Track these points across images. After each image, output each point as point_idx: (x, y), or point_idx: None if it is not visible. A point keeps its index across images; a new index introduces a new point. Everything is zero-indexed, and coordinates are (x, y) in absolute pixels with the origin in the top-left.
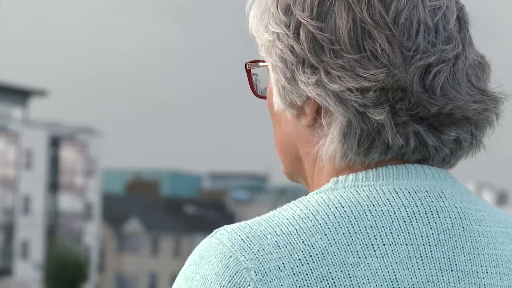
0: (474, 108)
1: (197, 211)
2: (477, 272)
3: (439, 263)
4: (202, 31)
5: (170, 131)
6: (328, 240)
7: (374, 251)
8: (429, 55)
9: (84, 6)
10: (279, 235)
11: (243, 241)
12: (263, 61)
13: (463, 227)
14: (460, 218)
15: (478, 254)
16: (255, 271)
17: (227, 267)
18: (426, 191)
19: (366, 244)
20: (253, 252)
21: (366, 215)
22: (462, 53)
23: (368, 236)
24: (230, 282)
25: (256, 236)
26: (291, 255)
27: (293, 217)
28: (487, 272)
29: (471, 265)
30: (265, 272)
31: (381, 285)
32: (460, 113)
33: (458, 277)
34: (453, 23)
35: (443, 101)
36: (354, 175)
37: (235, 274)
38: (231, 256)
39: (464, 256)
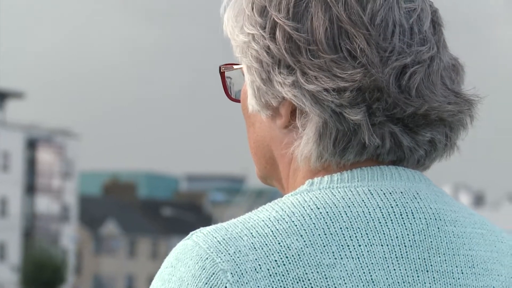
0: (449, 110)
1: (174, 213)
2: (453, 273)
3: (415, 264)
4: (180, 34)
5: (147, 133)
6: (304, 241)
7: (350, 252)
8: (405, 56)
9: (62, 9)
10: (255, 237)
11: (219, 243)
12: (237, 64)
13: (438, 228)
14: (435, 219)
15: (453, 254)
16: (231, 273)
17: (204, 268)
18: (401, 192)
19: (342, 245)
20: (229, 254)
21: (342, 216)
22: (436, 55)
23: (344, 237)
24: (206, 284)
25: (232, 238)
26: (267, 256)
27: (269, 218)
28: (462, 273)
29: (447, 266)
30: (242, 274)
31: (357, 285)
32: (435, 114)
33: (434, 277)
34: (428, 25)
35: (419, 102)
36: (329, 177)
37: (211, 276)
38: (207, 258)
39: (440, 256)
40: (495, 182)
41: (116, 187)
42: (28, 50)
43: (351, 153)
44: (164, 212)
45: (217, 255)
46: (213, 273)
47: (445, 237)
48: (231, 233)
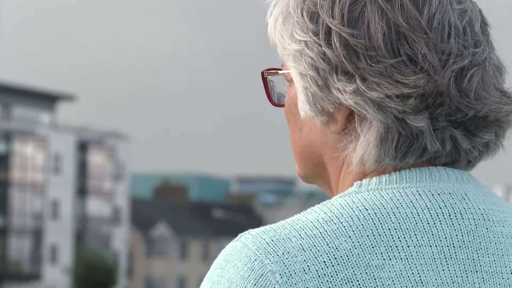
0: (505, 110)
1: (225, 215)
2: (502, 273)
3: (464, 264)
4: (227, 34)
5: (198, 135)
6: (353, 242)
7: (399, 252)
8: (462, 58)
9: (109, 11)
10: (303, 238)
11: (268, 244)
12: (280, 69)
13: (487, 228)
14: (484, 219)
15: (502, 255)
16: (280, 274)
17: (253, 270)
18: (450, 193)
19: (391, 246)
20: (278, 255)
21: (390, 217)
22: (489, 56)
23: (392, 238)
24: (255, 285)
25: (280, 240)
26: (316, 257)
27: (317, 220)
28: (511, 273)
29: (496, 266)
30: (290, 275)
31: (406, 286)
32: (493, 116)
33: (483, 278)
34: (478, 26)
35: (479, 104)
36: (377, 178)
37: (260, 277)
38: (256, 259)
39: (489, 257)
40: None
41: (167, 190)
42: (79, 52)
43: (411, 157)
44: (215, 214)
45: (266, 256)
46: (262, 274)
47: (494, 237)
48: (279, 234)
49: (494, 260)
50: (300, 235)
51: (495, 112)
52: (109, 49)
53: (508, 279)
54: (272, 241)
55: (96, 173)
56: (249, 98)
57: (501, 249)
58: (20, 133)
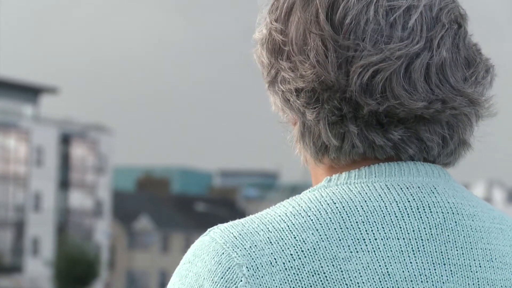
0: (429, 107)
1: (207, 208)
2: (470, 266)
3: (432, 257)
4: (212, 26)
5: (181, 129)
6: (320, 235)
7: (366, 245)
8: (371, 54)
9: (93, 3)
10: (271, 232)
11: (236, 238)
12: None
13: (456, 222)
14: (453, 213)
15: (471, 248)
16: (247, 267)
17: (220, 263)
18: (419, 187)
19: (358, 239)
20: (245, 248)
21: (358, 211)
22: (424, 51)
23: (360, 230)
24: (222, 278)
25: (248, 233)
26: (283, 250)
27: (285, 214)
28: (480, 266)
29: (464, 259)
30: (257, 267)
31: (373, 278)
32: (403, 112)
33: (451, 270)
34: (419, 21)
35: (381, 100)
36: (347, 173)
37: (227, 270)
38: (223, 253)
39: (457, 250)
40: None
41: (149, 183)
42: (62, 45)
43: (332, 152)
44: (198, 207)
45: (233, 250)
46: (229, 268)
47: (463, 231)
48: (247, 228)
49: (463, 253)
50: (267, 228)
51: (407, 108)
52: (92, 42)
53: (476, 272)
54: (240, 235)
55: (79, 165)
56: (232, 92)
57: (470, 242)
58: (3, 126)
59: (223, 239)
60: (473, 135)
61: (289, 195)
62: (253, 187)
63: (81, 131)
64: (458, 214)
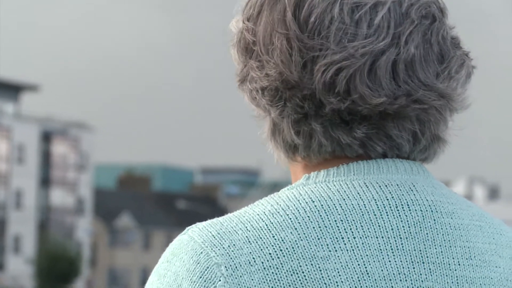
0: (394, 103)
1: (189, 206)
2: (449, 264)
3: (410, 255)
4: (194, 25)
5: (162, 126)
6: (298, 234)
7: (345, 244)
8: (335, 52)
9: (76, 1)
10: (249, 231)
11: (214, 237)
12: None
13: (434, 220)
14: (431, 211)
15: (450, 246)
16: (225, 266)
17: (198, 263)
18: (397, 185)
19: (337, 238)
20: (223, 247)
21: (336, 209)
22: (391, 48)
23: (339, 229)
24: (201, 277)
25: (227, 232)
26: (261, 249)
27: (264, 212)
28: (459, 264)
29: (443, 257)
30: (236, 267)
31: (352, 277)
32: (367, 108)
33: (430, 269)
34: (386, 17)
35: (343, 97)
36: (325, 171)
37: (205, 270)
38: (201, 252)
39: (436, 248)
40: (510, 175)
41: (131, 180)
42: (42, 42)
43: (301, 151)
44: (179, 205)
45: (212, 249)
46: (207, 267)
47: (442, 229)
48: (226, 227)
49: (442, 252)
50: (246, 227)
51: (369, 105)
52: (73, 39)
53: (455, 270)
54: (218, 234)
55: (60, 163)
56: (213, 89)
57: (449, 240)
58: None
59: (202, 238)
60: (448, 130)
61: (270, 192)
62: (234, 184)
63: (62, 129)
64: (436, 212)
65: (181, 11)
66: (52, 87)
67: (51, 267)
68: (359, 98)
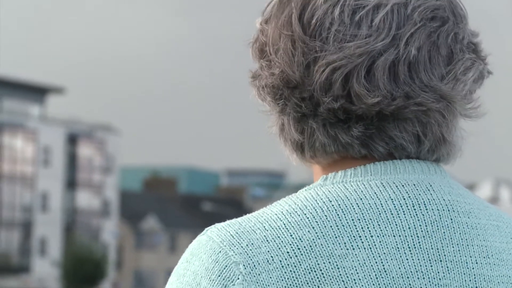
0: (390, 104)
1: (214, 208)
2: (467, 262)
3: (428, 254)
4: (215, 24)
5: (188, 128)
6: (316, 233)
7: (362, 242)
8: (332, 53)
9: (99, 4)
10: (267, 230)
11: (233, 236)
12: None
13: (451, 219)
14: (448, 210)
15: (467, 245)
16: (243, 265)
17: (217, 261)
18: (414, 184)
19: (354, 236)
20: (242, 246)
21: (354, 208)
22: (390, 49)
23: (356, 228)
24: (219, 276)
25: (245, 232)
26: (279, 248)
27: (282, 212)
28: (476, 263)
29: (460, 256)
30: (254, 265)
31: (369, 275)
32: (362, 108)
33: (447, 267)
34: (387, 19)
35: (336, 97)
36: (343, 172)
37: (224, 268)
38: (220, 251)
39: (453, 247)
40: None
41: (156, 182)
42: (69, 45)
43: (307, 150)
44: (205, 207)
45: (230, 248)
46: (226, 266)
47: (459, 227)
48: (244, 227)
49: (459, 250)
50: (264, 227)
51: (364, 104)
52: (98, 42)
53: (473, 268)
54: (237, 233)
55: (86, 165)
56: (238, 91)
57: (466, 239)
58: (10, 126)
59: (220, 238)
60: (457, 133)
61: None
62: (260, 186)
63: (88, 131)
64: (453, 211)
65: (203, 15)
66: (78, 89)
67: (77, 269)
68: (355, 98)
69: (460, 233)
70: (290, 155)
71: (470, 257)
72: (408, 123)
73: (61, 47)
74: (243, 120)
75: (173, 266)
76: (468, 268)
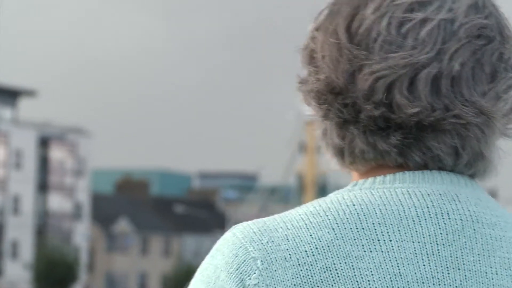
0: (430, 115)
1: (186, 210)
2: (486, 273)
3: (446, 261)
4: (192, 29)
5: (160, 131)
6: (335, 234)
7: (380, 246)
8: (377, 62)
9: (73, 6)
10: (289, 229)
11: (255, 233)
12: None
13: (475, 230)
14: (472, 221)
15: (489, 256)
16: (261, 260)
17: (236, 256)
18: (440, 194)
19: (373, 239)
20: (262, 243)
21: (376, 213)
22: (434, 62)
23: (376, 231)
24: (237, 270)
25: (267, 230)
26: (298, 247)
27: (305, 213)
28: (497, 274)
29: (480, 266)
30: (271, 262)
31: (384, 277)
32: (402, 118)
33: (465, 275)
34: (433, 33)
35: (377, 104)
36: (372, 179)
37: (242, 263)
38: (241, 247)
39: (473, 256)
40: None
41: (128, 185)
42: (40, 48)
43: (346, 155)
44: (177, 209)
45: (250, 244)
46: (244, 260)
47: (481, 238)
48: (267, 225)
49: (479, 260)
50: (286, 226)
51: (404, 114)
52: (72, 44)
53: (492, 279)
54: (259, 230)
55: (57, 168)
56: (210, 94)
57: (488, 250)
58: None
59: (243, 234)
60: (495, 150)
61: (268, 196)
62: (232, 189)
63: (60, 134)
64: (478, 222)
65: (178, 16)
66: (50, 92)
67: (49, 272)
68: (395, 107)
69: (482, 244)
70: (331, 159)
71: (491, 267)
72: (447, 135)
73: (33, 50)
74: (216, 123)
75: (145, 269)
76: (487, 278)
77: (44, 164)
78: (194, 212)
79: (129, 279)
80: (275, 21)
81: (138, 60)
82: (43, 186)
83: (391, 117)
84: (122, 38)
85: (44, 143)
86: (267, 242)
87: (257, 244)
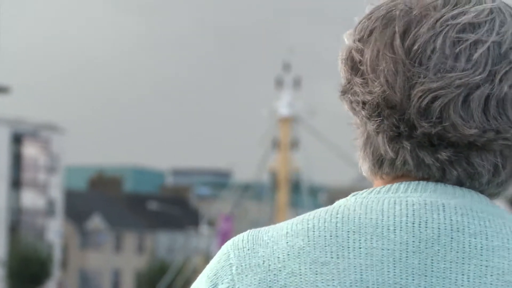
0: (483, 136)
1: (160, 207)
2: (456, 280)
3: (413, 268)
4: (166, 28)
5: (133, 128)
6: (308, 241)
7: (348, 252)
8: (433, 81)
9: (47, 2)
10: (272, 236)
11: (243, 241)
12: None
13: (452, 238)
14: (451, 229)
15: (463, 263)
16: (236, 266)
17: (219, 262)
18: (425, 204)
19: (343, 246)
20: (243, 250)
21: (354, 221)
22: (486, 84)
23: (348, 239)
24: (215, 275)
25: (255, 237)
26: (273, 253)
27: (296, 220)
28: (468, 281)
29: (451, 273)
30: (245, 268)
31: (344, 282)
32: (457, 137)
33: (432, 282)
34: (485, 55)
35: (435, 123)
36: (378, 188)
37: (221, 268)
38: (225, 253)
39: (445, 264)
40: None
41: (101, 182)
42: (13, 44)
43: (386, 165)
44: (150, 206)
45: (234, 251)
46: (223, 266)
47: (457, 246)
48: (259, 233)
49: (451, 267)
50: (272, 233)
51: (460, 134)
52: (44, 40)
53: (462, 286)
54: (248, 238)
55: (31, 165)
56: (184, 91)
57: (463, 257)
58: None
59: (233, 241)
60: None
61: (241, 193)
62: (205, 185)
63: (33, 131)
64: (458, 231)
65: (152, 14)
66: (23, 89)
67: (22, 269)
68: (451, 126)
69: (457, 251)
70: (362, 164)
71: (462, 274)
72: (491, 154)
73: (5, 45)
74: (189, 120)
75: (118, 265)
76: (456, 285)
77: (17, 160)
78: (167, 208)
79: (103, 276)
80: (249, 19)
81: (111, 57)
82: (16, 183)
83: (446, 136)
84: (94, 36)
85: (17, 139)
86: (248, 249)
87: (239, 251)
